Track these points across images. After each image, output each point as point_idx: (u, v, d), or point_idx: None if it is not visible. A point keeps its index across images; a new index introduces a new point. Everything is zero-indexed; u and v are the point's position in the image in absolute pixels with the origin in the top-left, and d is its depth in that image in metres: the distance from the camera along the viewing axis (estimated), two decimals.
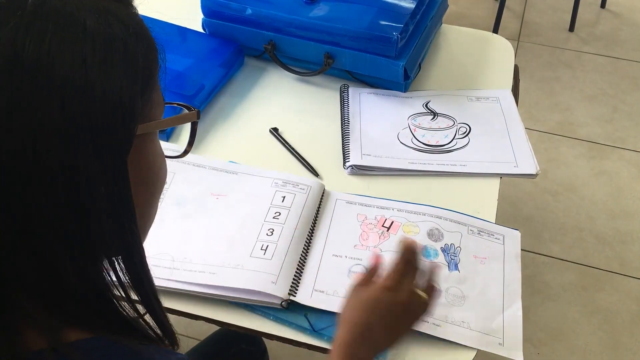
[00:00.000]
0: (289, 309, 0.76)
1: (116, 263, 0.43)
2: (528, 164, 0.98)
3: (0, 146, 0.36)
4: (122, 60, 0.40)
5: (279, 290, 0.76)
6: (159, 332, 0.49)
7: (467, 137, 1.03)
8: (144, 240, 0.48)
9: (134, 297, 0.46)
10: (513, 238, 0.88)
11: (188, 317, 0.77)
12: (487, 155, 0.99)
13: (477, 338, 0.75)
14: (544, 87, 2.34)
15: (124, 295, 0.45)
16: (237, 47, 1.14)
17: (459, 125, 1.05)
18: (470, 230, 0.87)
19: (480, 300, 0.79)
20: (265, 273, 0.78)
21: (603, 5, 2.77)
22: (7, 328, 0.40)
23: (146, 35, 0.44)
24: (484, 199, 0.93)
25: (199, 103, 1.04)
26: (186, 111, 0.52)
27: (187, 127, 0.54)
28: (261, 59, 1.18)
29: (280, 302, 0.76)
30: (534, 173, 0.97)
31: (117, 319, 0.44)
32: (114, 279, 0.44)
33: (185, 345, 1.42)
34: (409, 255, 0.67)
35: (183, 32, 1.16)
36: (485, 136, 1.03)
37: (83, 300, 0.41)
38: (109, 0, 0.42)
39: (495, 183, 0.95)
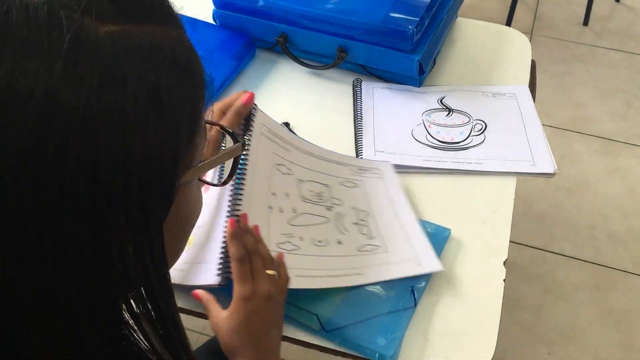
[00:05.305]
0: (297, 306, 0.74)
1: (144, 323, 0.39)
2: (546, 163, 0.95)
3: (20, 218, 0.31)
4: (166, 111, 0.34)
5: None
6: None
7: (482, 134, 1.00)
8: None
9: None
10: (387, 168, 0.92)
11: (199, 317, 0.75)
12: (503, 153, 0.97)
13: (399, 269, 0.78)
14: (557, 82, 2.31)
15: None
16: (248, 39, 1.11)
17: (475, 122, 1.02)
18: (351, 171, 0.90)
19: (385, 236, 0.82)
20: None
21: None
22: None
23: (194, 69, 0.39)
24: (500, 198, 0.91)
25: (208, 96, 1.02)
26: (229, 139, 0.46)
27: None
28: (273, 51, 1.15)
29: None
30: (552, 172, 0.94)
31: None
32: (143, 339, 0.38)
33: (196, 341, 1.40)
34: (243, 239, 0.66)
35: (193, 23, 1.14)
36: (502, 133, 1.01)
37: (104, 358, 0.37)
38: (157, 26, 0.36)
39: (512, 182, 0.93)
